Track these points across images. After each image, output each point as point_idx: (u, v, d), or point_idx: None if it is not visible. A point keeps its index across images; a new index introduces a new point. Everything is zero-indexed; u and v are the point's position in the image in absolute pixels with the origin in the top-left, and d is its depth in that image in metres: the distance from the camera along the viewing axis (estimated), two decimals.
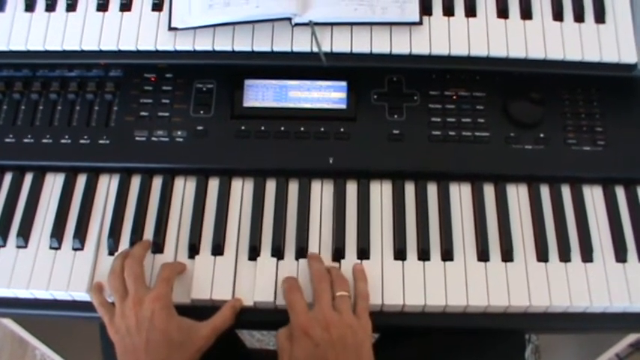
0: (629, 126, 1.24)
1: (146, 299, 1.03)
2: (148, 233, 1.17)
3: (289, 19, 1.17)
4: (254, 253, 1.14)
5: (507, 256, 1.14)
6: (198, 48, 1.18)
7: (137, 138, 1.21)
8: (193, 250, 1.15)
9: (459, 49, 1.19)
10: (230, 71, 1.26)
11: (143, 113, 1.23)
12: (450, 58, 1.20)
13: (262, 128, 1.21)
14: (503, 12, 1.22)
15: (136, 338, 1.01)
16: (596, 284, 1.13)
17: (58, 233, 1.16)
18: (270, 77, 1.25)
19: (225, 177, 1.21)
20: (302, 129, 1.21)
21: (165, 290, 1.05)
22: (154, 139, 1.21)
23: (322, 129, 1.21)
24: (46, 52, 1.21)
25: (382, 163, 1.20)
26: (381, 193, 1.20)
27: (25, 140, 1.22)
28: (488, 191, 1.20)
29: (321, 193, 1.20)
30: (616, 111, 1.25)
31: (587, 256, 1.15)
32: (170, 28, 1.19)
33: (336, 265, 1.14)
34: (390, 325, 1.13)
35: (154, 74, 1.27)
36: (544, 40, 1.20)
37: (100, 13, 1.22)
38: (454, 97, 1.25)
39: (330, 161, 1.19)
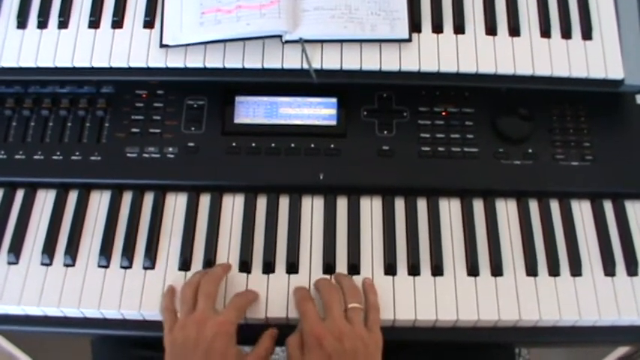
0: (616, 141, 1.25)
1: (211, 321, 1.02)
2: (140, 249, 1.17)
3: (280, 36, 1.18)
4: (245, 269, 1.15)
5: (497, 270, 1.15)
6: (189, 65, 1.19)
7: (128, 154, 1.22)
8: (185, 266, 1.15)
9: (448, 66, 1.20)
10: (221, 88, 1.27)
11: (134, 130, 1.24)
12: (439, 74, 1.20)
13: (253, 144, 1.22)
14: (491, 29, 1.23)
15: (190, 354, 1.00)
16: (585, 298, 1.14)
17: (49, 250, 1.16)
18: (261, 94, 1.26)
19: (216, 193, 1.21)
20: (292, 145, 1.22)
21: (233, 317, 1.04)
22: (145, 155, 1.22)
23: (312, 145, 1.22)
24: (38, 68, 1.21)
25: (372, 179, 1.21)
26: (371, 208, 1.20)
27: (17, 157, 1.22)
28: (478, 206, 1.21)
29: (312, 208, 1.21)
30: (603, 126, 1.27)
31: (575, 270, 1.16)
32: (161, 45, 1.19)
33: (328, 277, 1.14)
34: None
35: (146, 91, 1.27)
36: (532, 56, 1.21)
37: (92, 30, 1.22)
38: (443, 114, 1.26)
39: (321, 177, 1.20)
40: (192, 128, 1.24)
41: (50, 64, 1.21)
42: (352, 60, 1.19)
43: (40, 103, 1.26)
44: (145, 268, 1.15)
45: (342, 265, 1.15)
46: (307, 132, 1.24)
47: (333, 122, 1.25)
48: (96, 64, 1.20)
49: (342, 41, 1.19)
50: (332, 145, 1.22)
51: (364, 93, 1.27)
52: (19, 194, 1.22)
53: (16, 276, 1.14)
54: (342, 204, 1.21)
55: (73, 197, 1.22)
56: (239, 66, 1.19)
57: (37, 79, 1.27)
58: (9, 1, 1.25)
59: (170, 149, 1.22)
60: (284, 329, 1.10)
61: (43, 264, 1.16)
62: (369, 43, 1.20)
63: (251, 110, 1.25)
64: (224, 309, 1.06)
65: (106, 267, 1.15)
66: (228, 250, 1.17)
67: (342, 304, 1.06)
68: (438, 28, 1.22)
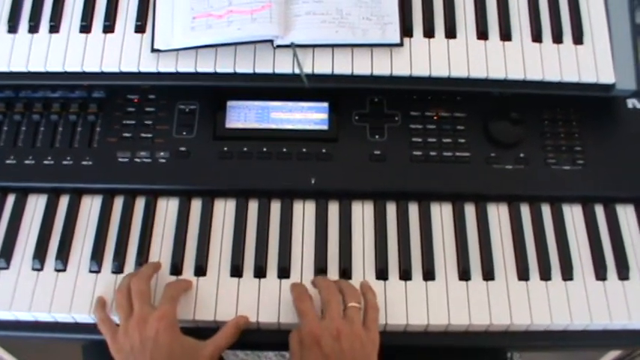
0: (607, 145, 1.26)
1: (150, 318, 1.02)
2: (131, 254, 1.17)
3: (271, 41, 1.18)
4: (236, 273, 1.15)
5: (488, 275, 1.15)
6: (180, 69, 1.19)
7: (120, 159, 1.22)
8: (176, 270, 1.15)
9: (440, 71, 1.20)
10: (212, 92, 1.27)
11: (126, 134, 1.24)
12: (431, 79, 1.20)
13: (245, 149, 1.22)
14: (482, 33, 1.23)
15: (140, 357, 1.01)
16: (577, 302, 1.14)
17: (40, 255, 1.16)
18: (253, 98, 1.26)
19: (208, 198, 1.21)
20: (284, 150, 1.22)
21: (169, 309, 1.05)
22: (136, 160, 1.22)
23: (304, 150, 1.22)
24: (29, 73, 1.21)
25: (364, 184, 1.21)
26: (362, 213, 1.20)
27: (8, 161, 1.22)
28: (469, 211, 1.21)
29: (303, 213, 1.21)
30: (595, 130, 1.27)
31: (567, 274, 1.16)
32: (153, 50, 1.19)
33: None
34: None
35: (137, 95, 1.27)
36: (523, 61, 1.21)
37: (83, 35, 1.22)
38: (435, 118, 1.26)
39: (312, 182, 1.20)
40: (184, 133, 1.24)
41: (41, 69, 1.20)
42: (343, 64, 1.19)
43: (31, 108, 1.26)
44: None
45: (333, 270, 1.15)
46: (299, 136, 1.24)
47: (325, 127, 1.25)
48: (87, 69, 1.20)
49: (333, 46, 1.19)
50: (323, 150, 1.22)
51: (356, 97, 1.27)
52: (10, 199, 1.22)
53: (6, 281, 1.14)
54: (333, 209, 1.21)
55: (64, 202, 1.21)
56: (230, 70, 1.19)
57: (28, 83, 1.26)
58: None
59: (162, 154, 1.22)
60: (275, 334, 1.11)
61: (34, 269, 1.15)
62: (361, 48, 1.20)
63: (242, 115, 1.25)
64: (159, 303, 1.06)
65: (98, 272, 1.15)
66: (220, 254, 1.16)
67: (340, 303, 1.06)
68: (429, 32, 1.23)
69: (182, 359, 1.02)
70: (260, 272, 1.15)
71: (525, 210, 1.22)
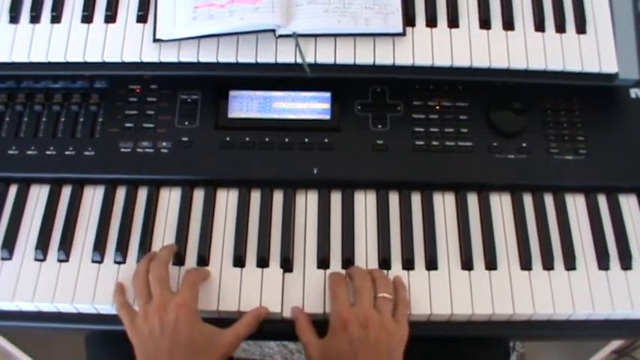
0: (610, 135, 1.26)
1: (171, 304, 1.02)
2: (134, 244, 1.17)
3: (273, 30, 1.17)
4: (239, 264, 1.15)
5: (491, 264, 1.15)
6: (182, 59, 1.18)
7: (122, 149, 1.22)
8: (178, 261, 1.15)
9: (442, 60, 1.19)
10: (215, 82, 1.26)
11: (128, 124, 1.24)
12: (433, 68, 1.20)
13: (247, 139, 1.22)
14: (485, 23, 1.23)
15: (159, 342, 1.00)
16: (579, 292, 1.14)
17: (43, 245, 1.16)
18: (255, 88, 1.26)
19: (210, 188, 1.21)
20: (286, 140, 1.22)
21: (190, 296, 1.05)
22: (139, 150, 1.21)
23: (306, 140, 1.22)
24: (31, 63, 1.20)
25: (366, 173, 1.21)
26: (365, 203, 1.20)
27: (10, 152, 1.21)
28: (472, 200, 1.21)
29: (306, 203, 1.21)
30: (597, 120, 1.27)
31: (570, 263, 1.16)
32: (155, 40, 1.19)
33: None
34: None
35: (139, 85, 1.27)
36: (526, 50, 1.21)
37: (85, 25, 1.22)
38: (437, 107, 1.26)
39: (315, 172, 1.20)
40: (186, 123, 1.24)
41: (43, 59, 1.20)
42: (346, 54, 1.19)
43: (33, 98, 1.26)
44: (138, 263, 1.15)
45: (336, 260, 1.15)
46: (301, 126, 1.24)
47: (327, 116, 1.24)
48: (89, 59, 1.20)
49: (335, 35, 1.19)
50: (326, 140, 1.22)
51: (358, 87, 1.27)
52: (13, 190, 1.22)
53: (9, 272, 1.14)
54: (336, 198, 1.21)
55: (66, 192, 1.21)
56: (233, 60, 1.19)
57: (30, 74, 1.26)
58: None
59: (164, 144, 1.22)
60: (278, 324, 1.11)
61: (36, 259, 1.15)
62: (363, 37, 1.19)
63: (245, 105, 1.25)
64: (180, 289, 1.06)
65: (100, 262, 1.15)
66: (222, 244, 1.16)
67: (372, 291, 1.07)
68: (432, 22, 1.22)
69: (201, 346, 1.02)
70: (263, 262, 1.15)
71: (528, 200, 1.22)
